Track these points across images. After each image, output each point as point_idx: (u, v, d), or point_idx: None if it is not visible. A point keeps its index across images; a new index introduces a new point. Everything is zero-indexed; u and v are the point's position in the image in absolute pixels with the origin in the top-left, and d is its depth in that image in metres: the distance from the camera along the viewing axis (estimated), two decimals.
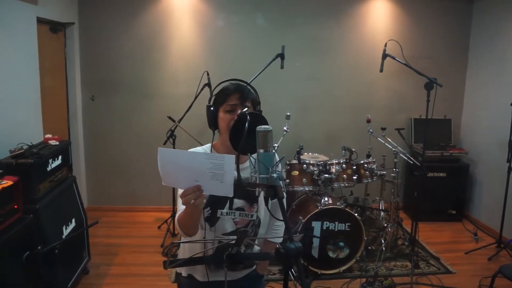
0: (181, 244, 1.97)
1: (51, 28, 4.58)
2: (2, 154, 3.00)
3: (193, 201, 1.48)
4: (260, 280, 2.12)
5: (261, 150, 1.42)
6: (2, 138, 3.21)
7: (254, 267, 2.06)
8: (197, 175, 1.45)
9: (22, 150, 3.04)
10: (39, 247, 2.74)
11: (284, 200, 2.11)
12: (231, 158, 1.43)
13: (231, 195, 1.50)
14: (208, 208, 1.82)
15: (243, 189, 1.81)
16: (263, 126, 1.43)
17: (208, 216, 1.83)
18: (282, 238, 1.99)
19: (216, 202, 1.82)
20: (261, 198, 1.83)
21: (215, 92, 1.85)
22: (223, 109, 1.79)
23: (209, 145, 1.90)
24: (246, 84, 1.82)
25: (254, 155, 1.45)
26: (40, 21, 4.08)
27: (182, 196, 1.50)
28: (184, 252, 1.97)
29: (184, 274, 1.98)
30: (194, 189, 1.48)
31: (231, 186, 1.47)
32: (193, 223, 1.67)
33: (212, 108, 1.81)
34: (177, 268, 2.02)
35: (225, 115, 1.78)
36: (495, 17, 5.07)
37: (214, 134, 1.83)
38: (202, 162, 1.43)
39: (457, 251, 4.50)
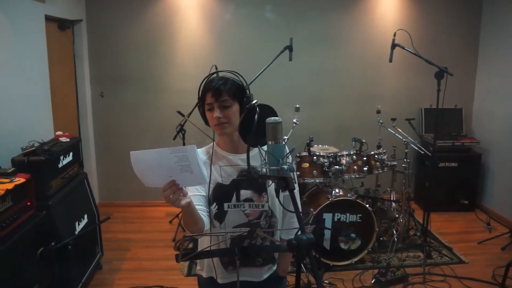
0: (199, 242, 1.96)
1: (59, 26, 4.60)
2: (14, 152, 3.03)
3: (171, 196, 1.48)
4: (282, 281, 2.09)
5: (271, 142, 1.42)
6: (13, 136, 3.24)
7: (275, 267, 2.02)
8: (169, 171, 1.47)
9: (34, 148, 3.07)
10: (53, 243, 2.77)
11: (297, 192, 2.09)
12: (193, 147, 1.43)
13: (205, 182, 1.56)
14: (215, 204, 1.81)
15: (249, 179, 1.80)
16: (272, 117, 1.43)
17: (216, 212, 1.82)
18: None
19: (221, 197, 1.81)
20: (270, 188, 1.82)
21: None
22: (206, 109, 1.79)
23: (211, 144, 1.89)
24: (226, 75, 1.80)
25: (264, 147, 1.45)
26: (48, 19, 4.10)
27: (163, 195, 1.50)
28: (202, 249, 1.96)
29: (204, 275, 1.97)
30: (169, 184, 1.48)
31: (202, 174, 1.47)
32: (189, 219, 1.65)
33: (201, 108, 1.82)
34: (198, 270, 2.02)
35: (208, 113, 1.78)
36: (506, 4, 4.98)
37: (214, 131, 1.83)
38: (168, 158, 1.44)
39: (470, 241, 4.47)
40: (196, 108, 1.88)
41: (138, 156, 1.48)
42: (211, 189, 1.81)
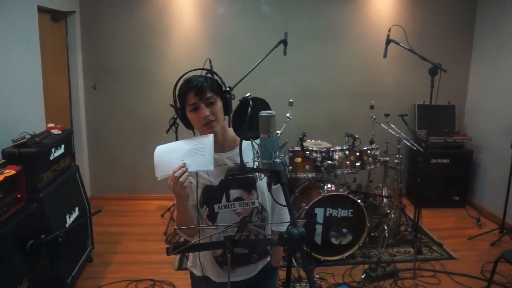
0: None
1: (52, 17, 4.56)
2: (5, 143, 3.00)
3: (180, 177, 1.56)
4: (274, 272, 2.09)
5: (264, 135, 1.41)
6: (4, 127, 3.21)
7: (268, 259, 2.02)
8: (184, 154, 1.65)
9: (25, 140, 3.04)
10: (43, 236, 2.76)
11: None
12: (211, 136, 1.66)
13: (212, 168, 1.62)
14: (205, 206, 1.80)
15: (237, 178, 1.79)
16: (266, 111, 1.42)
17: (208, 214, 1.81)
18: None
19: (210, 199, 1.80)
20: (259, 184, 1.81)
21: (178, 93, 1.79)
22: (188, 110, 1.75)
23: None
24: (200, 73, 1.78)
25: (257, 140, 1.44)
26: (41, 10, 4.06)
27: (171, 177, 1.58)
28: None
29: (198, 274, 1.95)
30: (180, 166, 1.60)
31: (211, 159, 1.63)
32: (185, 218, 1.68)
33: (179, 112, 1.78)
34: (190, 267, 2.01)
35: (192, 114, 1.74)
36: (500, 1, 5.00)
37: (194, 133, 1.81)
38: (189, 142, 1.67)
39: (460, 237, 4.50)
40: None
41: (164, 147, 1.70)
42: (199, 192, 1.79)
